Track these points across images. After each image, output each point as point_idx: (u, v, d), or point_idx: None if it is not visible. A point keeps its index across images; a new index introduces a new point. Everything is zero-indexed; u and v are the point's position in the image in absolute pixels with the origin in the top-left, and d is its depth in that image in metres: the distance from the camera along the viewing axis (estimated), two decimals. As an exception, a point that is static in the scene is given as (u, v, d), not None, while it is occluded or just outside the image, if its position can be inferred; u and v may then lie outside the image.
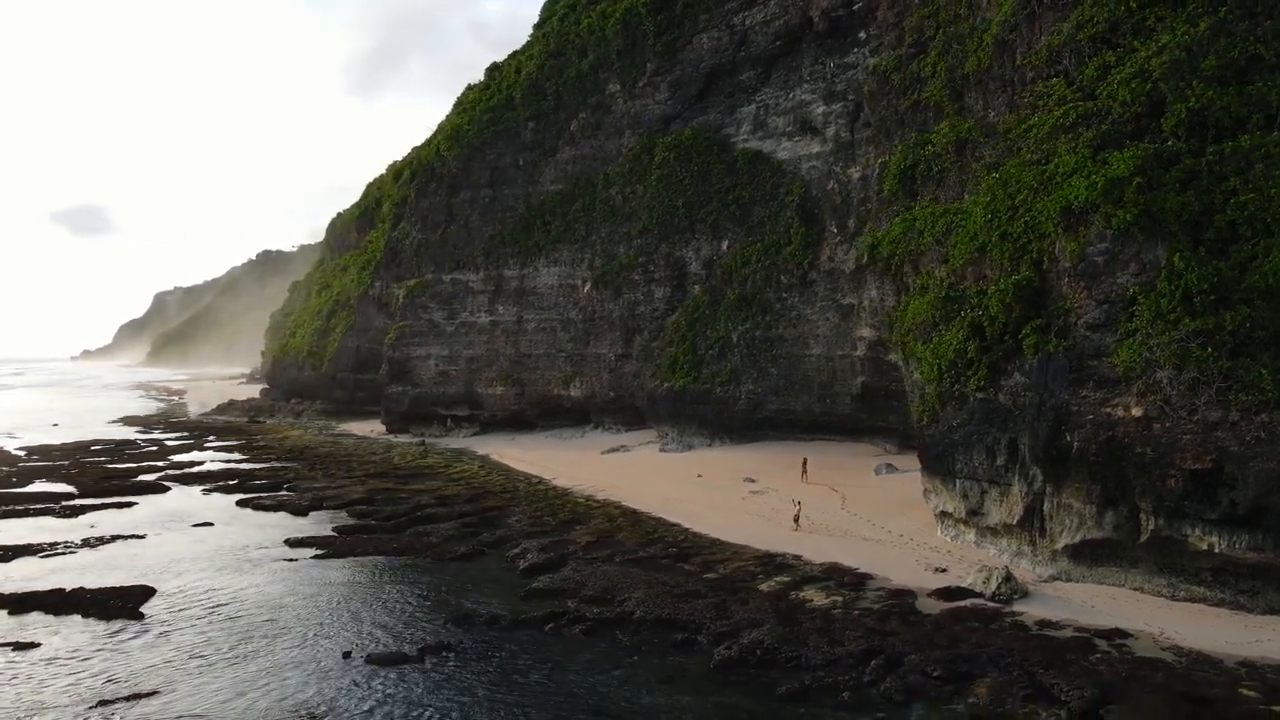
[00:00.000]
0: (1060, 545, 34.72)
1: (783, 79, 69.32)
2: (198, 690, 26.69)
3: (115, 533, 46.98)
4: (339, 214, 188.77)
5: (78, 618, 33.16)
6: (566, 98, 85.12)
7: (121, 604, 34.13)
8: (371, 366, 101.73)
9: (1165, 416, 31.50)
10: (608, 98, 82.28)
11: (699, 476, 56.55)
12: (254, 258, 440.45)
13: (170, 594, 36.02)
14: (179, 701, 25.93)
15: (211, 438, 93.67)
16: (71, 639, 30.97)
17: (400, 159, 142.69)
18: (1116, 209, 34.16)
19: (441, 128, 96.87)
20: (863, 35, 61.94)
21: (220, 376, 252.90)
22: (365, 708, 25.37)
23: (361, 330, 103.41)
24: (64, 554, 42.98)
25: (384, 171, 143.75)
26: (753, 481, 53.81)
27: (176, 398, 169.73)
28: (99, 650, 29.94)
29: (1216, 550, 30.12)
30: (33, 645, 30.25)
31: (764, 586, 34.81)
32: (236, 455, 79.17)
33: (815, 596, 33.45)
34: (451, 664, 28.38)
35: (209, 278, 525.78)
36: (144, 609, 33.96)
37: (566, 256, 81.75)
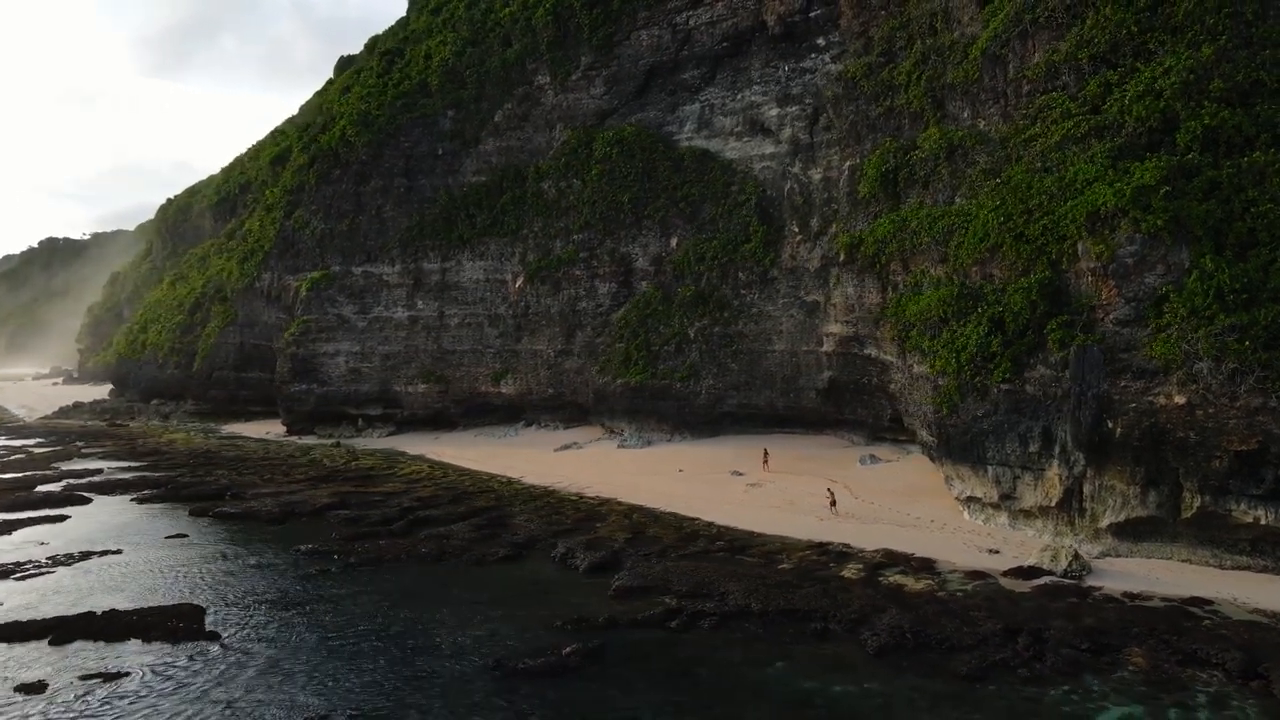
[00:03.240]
0: (1104, 524, 37.59)
1: (729, 80, 70.43)
2: (355, 707, 24.54)
3: (84, 549, 41.96)
4: (170, 200, 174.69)
5: (136, 643, 29.65)
6: (489, 87, 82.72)
7: (180, 625, 30.70)
8: (258, 364, 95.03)
9: (1207, 404, 34.78)
10: (536, 89, 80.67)
11: (680, 471, 56.72)
12: (36, 245, 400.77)
13: (222, 611, 32.75)
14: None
15: (79, 443, 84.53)
16: (157, 665, 27.71)
17: (259, 140, 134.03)
18: (1145, 214, 37.29)
19: (341, 112, 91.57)
20: (821, 41, 63.96)
21: (14, 376, 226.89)
22: (560, 715, 24.17)
23: (246, 325, 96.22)
24: (40, 574, 38.07)
25: (243, 153, 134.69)
26: (741, 474, 54.58)
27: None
28: (204, 675, 26.98)
29: (1263, 523, 33.62)
30: (122, 675, 26.85)
31: (848, 574, 35.60)
32: (130, 462, 71.92)
33: (907, 581, 34.59)
34: (607, 666, 27.42)
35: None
36: (210, 628, 30.67)
37: (494, 250, 79.51)
